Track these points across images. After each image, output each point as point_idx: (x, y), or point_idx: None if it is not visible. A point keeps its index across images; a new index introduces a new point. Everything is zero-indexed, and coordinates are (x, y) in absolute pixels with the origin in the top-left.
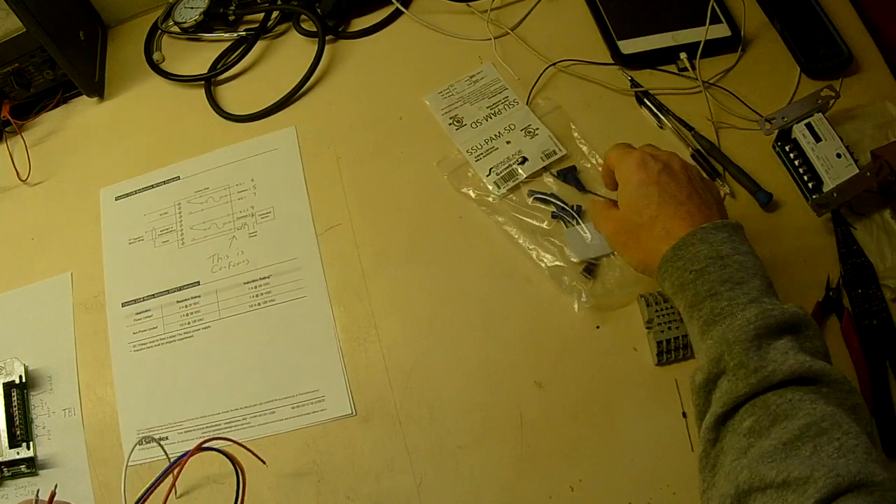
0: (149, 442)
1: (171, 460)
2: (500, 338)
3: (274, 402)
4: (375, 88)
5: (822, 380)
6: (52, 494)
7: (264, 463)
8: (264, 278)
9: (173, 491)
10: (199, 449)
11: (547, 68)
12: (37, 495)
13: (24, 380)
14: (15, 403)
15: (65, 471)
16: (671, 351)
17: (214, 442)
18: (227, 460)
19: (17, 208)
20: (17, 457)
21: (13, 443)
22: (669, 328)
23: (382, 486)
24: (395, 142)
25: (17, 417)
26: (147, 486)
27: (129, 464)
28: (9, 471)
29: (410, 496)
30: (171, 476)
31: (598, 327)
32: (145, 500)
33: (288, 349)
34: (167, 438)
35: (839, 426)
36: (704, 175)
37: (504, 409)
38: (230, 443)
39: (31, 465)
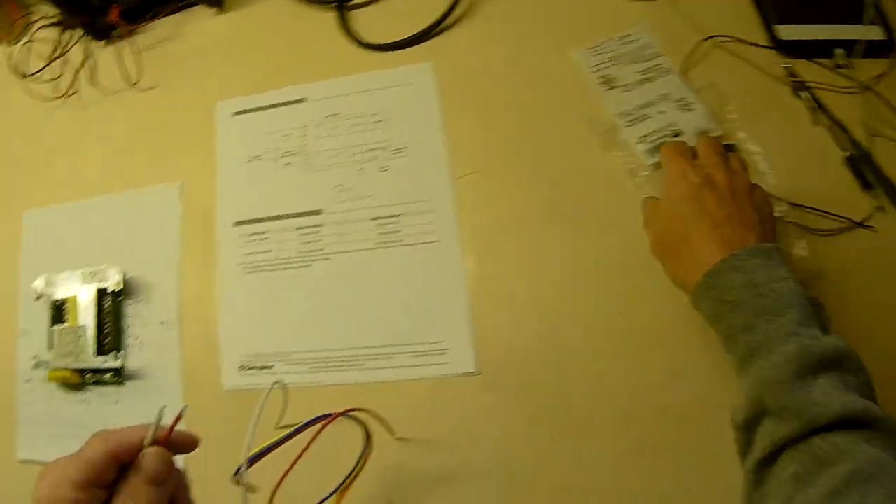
0: (251, 369)
1: (298, 424)
2: (641, 318)
3: (394, 347)
4: (521, 36)
5: (868, 420)
6: (178, 417)
7: (394, 434)
8: (394, 216)
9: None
10: (344, 414)
11: (703, 41)
12: (160, 414)
13: (120, 287)
14: (107, 310)
15: (153, 385)
16: None
17: (355, 412)
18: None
19: (126, 113)
20: (104, 365)
21: (101, 350)
22: None
23: (500, 454)
24: (538, 95)
25: (108, 325)
26: (273, 440)
27: (230, 388)
28: (92, 377)
29: (524, 470)
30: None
31: None
32: (270, 451)
33: (414, 294)
34: (272, 368)
35: (887, 471)
36: (755, 187)
37: (639, 396)
38: (370, 414)
39: (118, 375)
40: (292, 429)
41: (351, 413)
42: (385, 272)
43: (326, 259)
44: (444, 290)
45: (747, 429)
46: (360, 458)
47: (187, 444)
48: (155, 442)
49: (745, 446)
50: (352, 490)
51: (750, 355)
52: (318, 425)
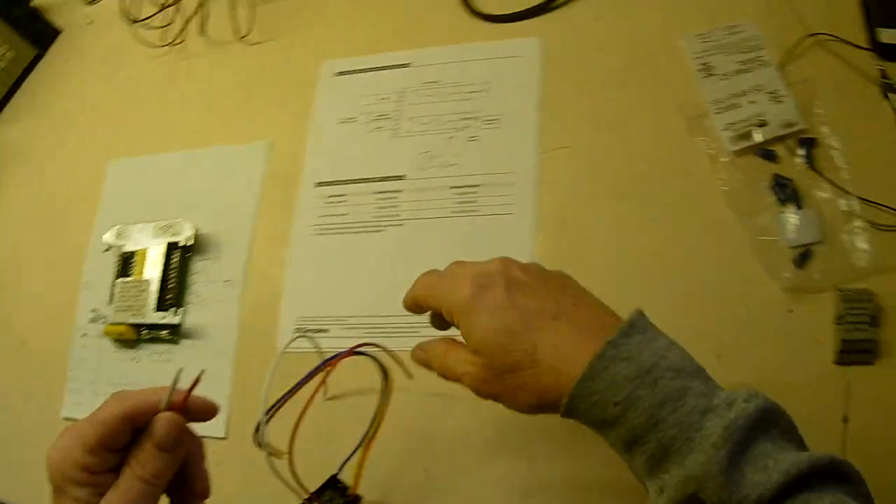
0: (305, 333)
1: (324, 357)
2: (691, 299)
3: None
4: (632, 17)
5: (814, 474)
6: (196, 382)
7: (411, 377)
8: (473, 186)
9: (322, 390)
10: (351, 352)
11: (806, 38)
12: (176, 377)
13: (191, 242)
14: (174, 265)
15: (208, 345)
16: (853, 352)
17: (366, 347)
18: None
19: (228, 66)
20: (162, 321)
21: (161, 305)
22: (858, 329)
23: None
24: (639, 76)
25: (173, 281)
26: (292, 386)
27: (283, 351)
28: (148, 334)
29: (558, 445)
30: (318, 376)
31: (790, 311)
32: (284, 401)
33: None
34: (328, 331)
35: None
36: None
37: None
38: (381, 349)
39: (175, 333)
40: (303, 376)
41: (363, 351)
42: (454, 241)
43: (400, 224)
44: None
45: None
46: (380, 402)
47: (205, 412)
48: (170, 407)
49: None
50: (376, 443)
51: (664, 454)
52: (329, 365)
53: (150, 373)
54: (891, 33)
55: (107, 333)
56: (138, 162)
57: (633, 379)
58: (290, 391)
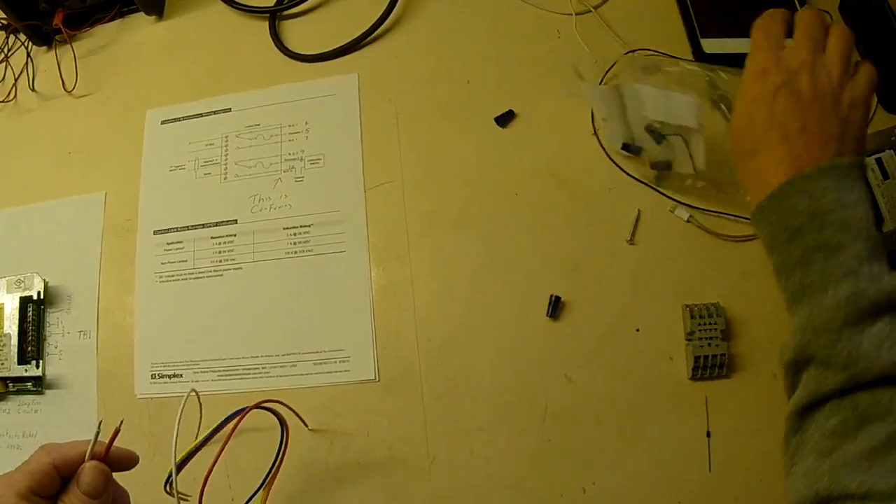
0: (162, 377)
1: (220, 421)
2: (538, 324)
3: (297, 355)
4: (445, 47)
5: None
6: (115, 433)
7: (307, 426)
8: (305, 226)
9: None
10: (257, 406)
11: (625, 54)
12: (98, 430)
13: (41, 296)
14: (30, 319)
15: (71, 394)
16: (707, 368)
17: (268, 403)
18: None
19: (58, 119)
20: (25, 374)
21: (22, 359)
22: (709, 344)
23: (395, 455)
24: (458, 105)
25: (31, 334)
26: (196, 442)
27: (141, 396)
28: (14, 386)
29: (421, 470)
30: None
31: (637, 330)
32: (194, 455)
33: (319, 303)
34: (181, 376)
35: None
36: (851, 85)
37: (530, 397)
38: (281, 405)
39: (38, 384)
40: (211, 429)
41: (265, 406)
42: (292, 281)
43: (238, 269)
44: (347, 300)
45: (793, 371)
46: (280, 448)
47: (127, 460)
48: (94, 457)
49: (789, 387)
50: (276, 486)
51: (802, 293)
52: (235, 420)
53: (21, 422)
54: (713, 42)
55: None
56: None
57: (806, 214)
58: (198, 444)
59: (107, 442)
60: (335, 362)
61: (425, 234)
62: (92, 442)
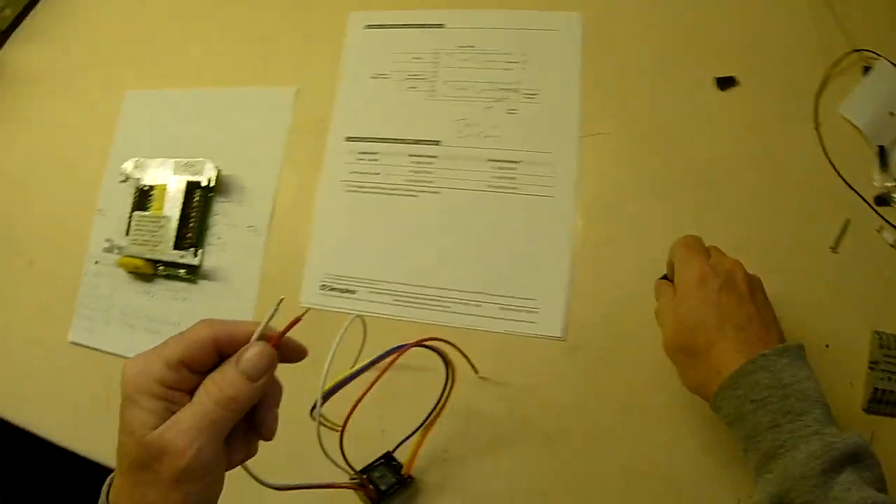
0: (333, 289)
1: (379, 354)
2: None
3: (485, 295)
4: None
5: None
6: (296, 321)
7: (476, 371)
8: (513, 162)
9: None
10: (418, 344)
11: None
12: (276, 306)
13: (211, 183)
14: (195, 204)
15: (229, 287)
16: (884, 402)
17: (432, 342)
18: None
19: (250, 10)
20: (180, 260)
21: (180, 244)
22: (890, 378)
23: (561, 424)
24: (681, 61)
25: (193, 220)
26: (350, 371)
27: (305, 305)
28: (165, 270)
29: (587, 443)
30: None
31: (827, 346)
32: (344, 385)
33: (516, 245)
34: (354, 292)
35: None
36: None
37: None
38: (450, 346)
39: (192, 273)
40: (367, 362)
41: (428, 345)
42: (491, 217)
43: (435, 192)
44: (547, 248)
45: None
46: (444, 390)
47: (296, 353)
48: (263, 338)
49: None
50: (435, 428)
51: (774, 453)
52: (394, 355)
53: (165, 308)
54: None
55: (121, 265)
56: (157, 95)
57: (770, 387)
58: (349, 377)
59: (279, 328)
60: (523, 311)
61: (636, 195)
62: (267, 317)
